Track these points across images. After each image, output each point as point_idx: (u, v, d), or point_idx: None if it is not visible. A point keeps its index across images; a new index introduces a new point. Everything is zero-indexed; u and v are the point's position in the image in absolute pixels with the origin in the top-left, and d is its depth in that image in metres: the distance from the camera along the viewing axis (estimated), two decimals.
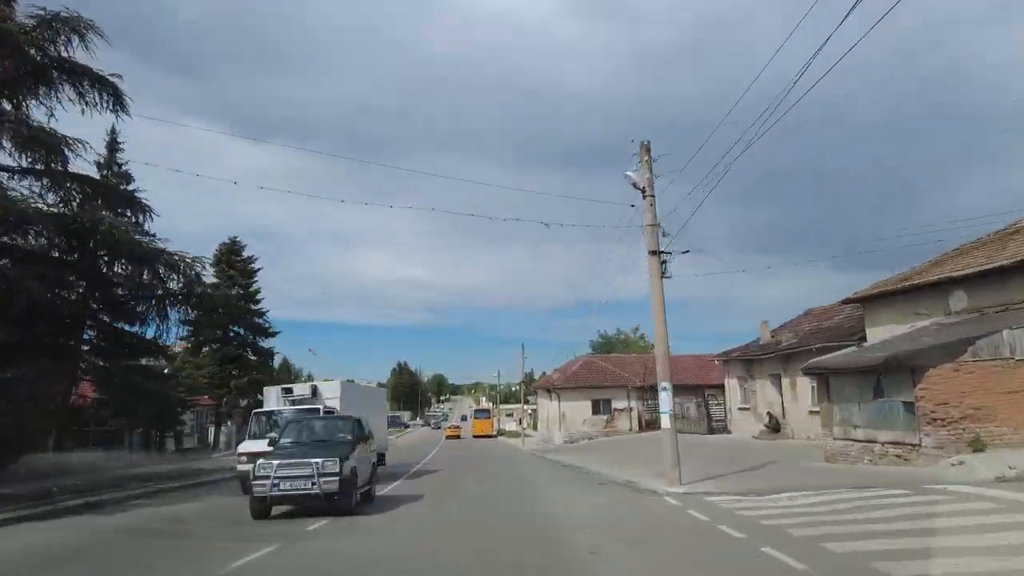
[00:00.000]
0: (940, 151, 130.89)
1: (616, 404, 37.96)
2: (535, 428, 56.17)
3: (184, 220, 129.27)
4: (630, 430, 36.77)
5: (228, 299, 38.31)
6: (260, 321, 42.18)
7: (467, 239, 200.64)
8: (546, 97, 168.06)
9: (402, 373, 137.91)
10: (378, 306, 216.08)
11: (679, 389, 39.61)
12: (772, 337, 28.28)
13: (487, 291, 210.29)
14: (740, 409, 29.34)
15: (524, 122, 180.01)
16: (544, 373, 57.02)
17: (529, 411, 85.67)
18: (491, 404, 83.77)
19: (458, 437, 53.86)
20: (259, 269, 42.64)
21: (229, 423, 42.45)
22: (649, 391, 38.27)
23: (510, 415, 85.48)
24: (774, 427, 25.09)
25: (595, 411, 37.88)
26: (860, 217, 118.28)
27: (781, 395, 25.55)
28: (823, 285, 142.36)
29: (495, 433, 61.30)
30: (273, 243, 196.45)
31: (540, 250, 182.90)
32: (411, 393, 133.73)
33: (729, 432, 30.07)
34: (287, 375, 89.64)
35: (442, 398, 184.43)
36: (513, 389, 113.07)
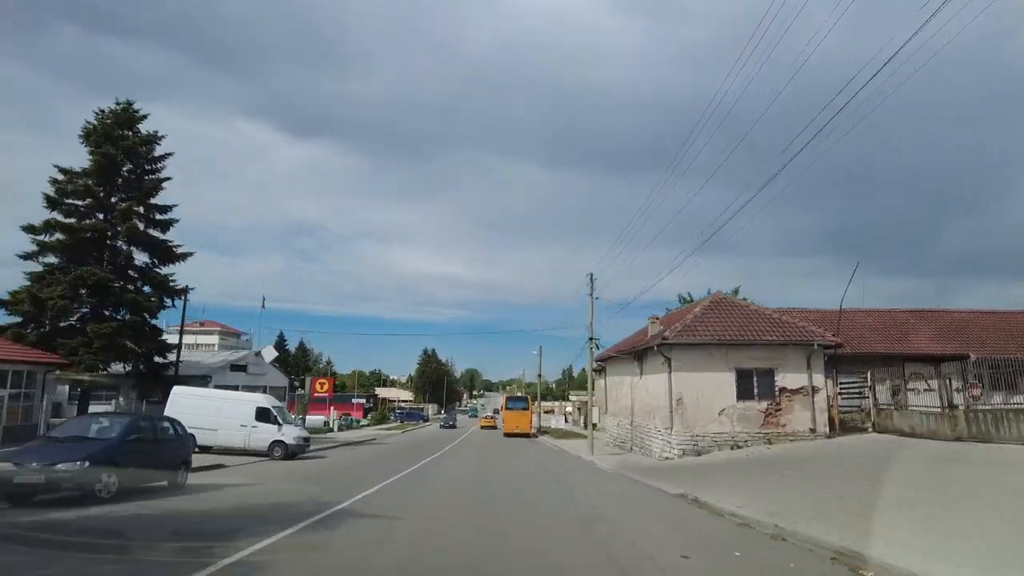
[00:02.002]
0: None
1: (783, 380, 19.76)
2: (591, 426, 38.09)
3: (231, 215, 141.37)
4: (812, 432, 18.62)
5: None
6: (159, 235, 25.76)
7: (503, 236, 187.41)
8: (587, 95, 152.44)
9: (429, 361, 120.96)
10: (413, 301, 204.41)
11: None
12: None
13: (522, 288, 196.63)
14: None
15: (564, 119, 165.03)
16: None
17: (577, 404, 68.56)
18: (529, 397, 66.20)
19: (493, 427, 53.19)
20: (168, 155, 26.19)
21: (118, 398, 26.76)
22: (849, 361, 20.26)
23: (549, 412, 69.41)
24: None
25: (742, 394, 19.49)
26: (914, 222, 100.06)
27: None
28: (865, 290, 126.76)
29: (534, 431, 43.96)
30: (316, 238, 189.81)
31: (578, 247, 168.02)
32: (438, 384, 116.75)
33: None
34: (314, 364, 73.90)
35: (475, 393, 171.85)
36: (550, 387, 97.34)
